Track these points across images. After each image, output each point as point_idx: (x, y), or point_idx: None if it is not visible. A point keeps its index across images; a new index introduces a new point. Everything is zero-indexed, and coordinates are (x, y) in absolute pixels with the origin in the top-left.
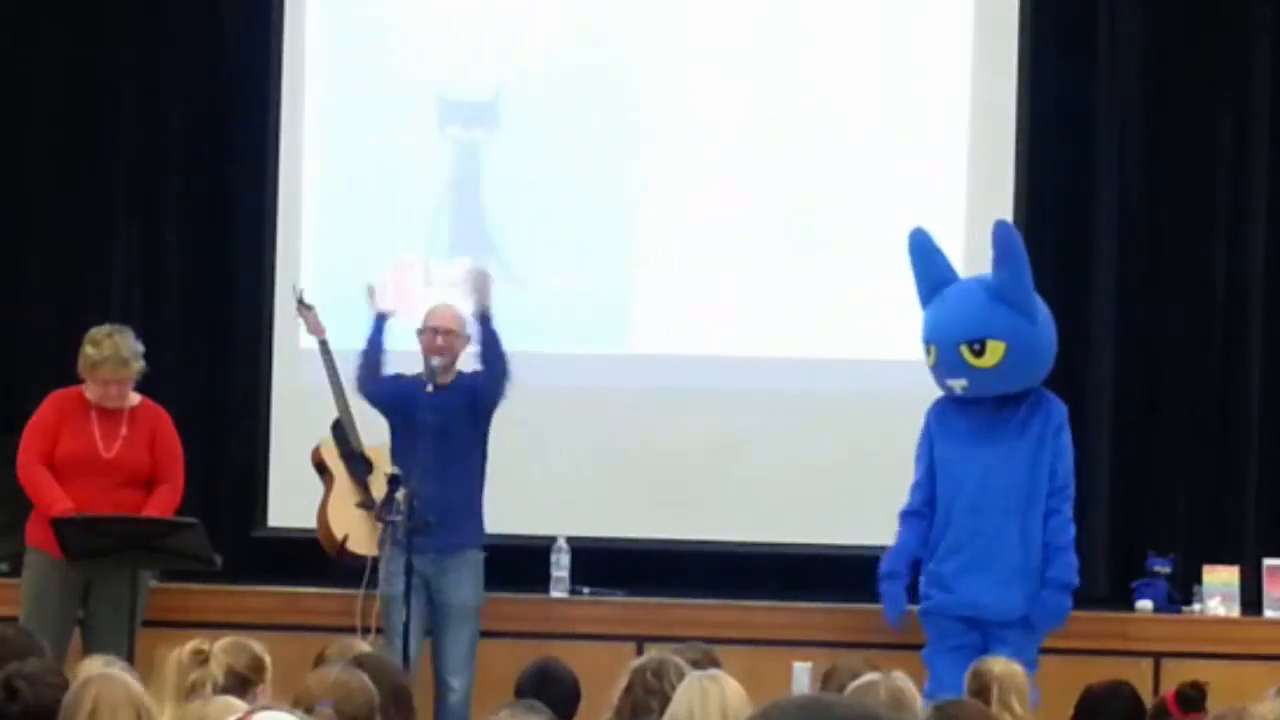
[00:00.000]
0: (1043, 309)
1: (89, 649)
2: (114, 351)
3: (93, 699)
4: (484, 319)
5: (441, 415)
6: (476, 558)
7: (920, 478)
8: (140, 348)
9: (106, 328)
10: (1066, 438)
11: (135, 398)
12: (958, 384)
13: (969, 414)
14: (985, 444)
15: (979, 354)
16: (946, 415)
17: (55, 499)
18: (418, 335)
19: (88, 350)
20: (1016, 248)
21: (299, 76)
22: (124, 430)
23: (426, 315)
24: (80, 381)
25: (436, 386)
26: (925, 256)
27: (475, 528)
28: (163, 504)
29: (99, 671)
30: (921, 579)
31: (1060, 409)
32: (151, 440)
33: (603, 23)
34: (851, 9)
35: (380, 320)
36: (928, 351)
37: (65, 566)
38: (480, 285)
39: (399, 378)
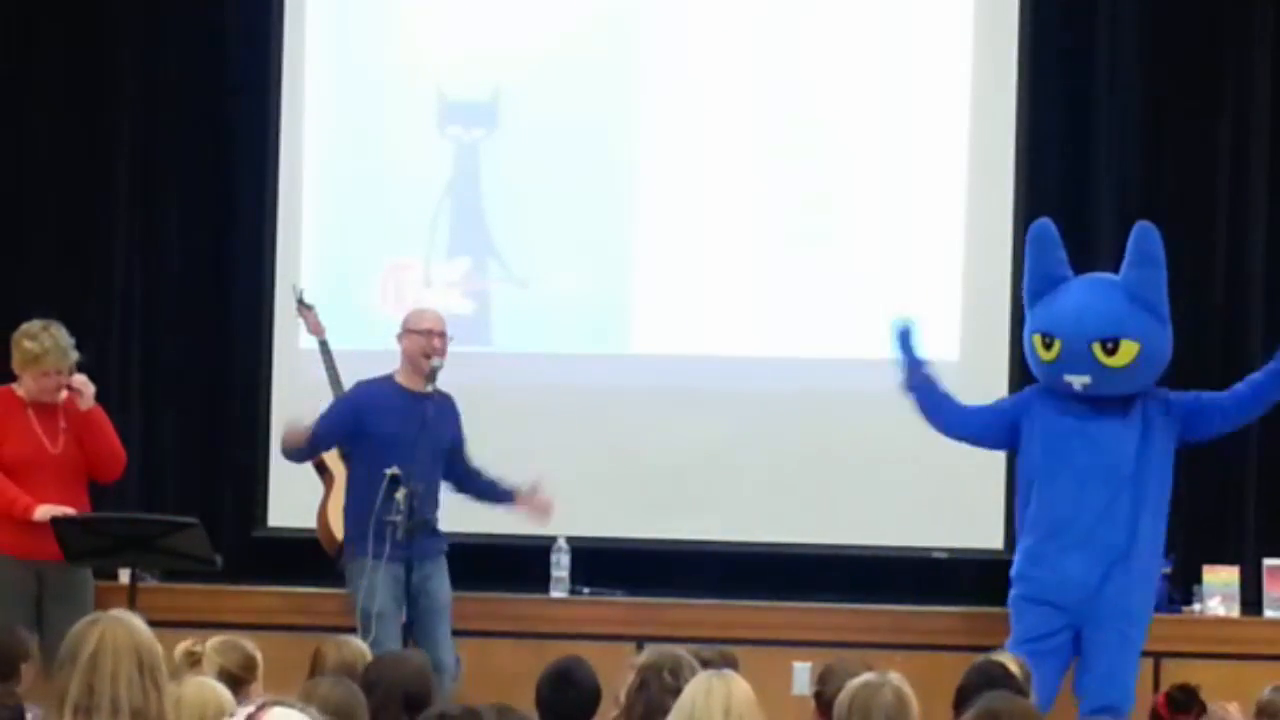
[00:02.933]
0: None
1: (50, 652)
2: (54, 343)
3: (95, 641)
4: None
5: (430, 424)
6: (444, 560)
7: (988, 411)
8: (73, 340)
9: (39, 322)
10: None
11: (64, 392)
12: (1079, 380)
13: (1073, 398)
14: (1091, 422)
15: (1111, 352)
16: (1059, 396)
17: (15, 497)
18: (402, 337)
19: (27, 345)
20: (1158, 250)
21: (299, 77)
22: (63, 424)
23: (417, 318)
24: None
25: (428, 391)
26: (1045, 249)
27: (441, 532)
28: (117, 447)
29: (109, 612)
30: (1018, 557)
31: (1162, 388)
32: (89, 431)
33: (602, 22)
34: (851, 9)
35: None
36: (1047, 345)
37: (15, 566)
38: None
39: (354, 397)
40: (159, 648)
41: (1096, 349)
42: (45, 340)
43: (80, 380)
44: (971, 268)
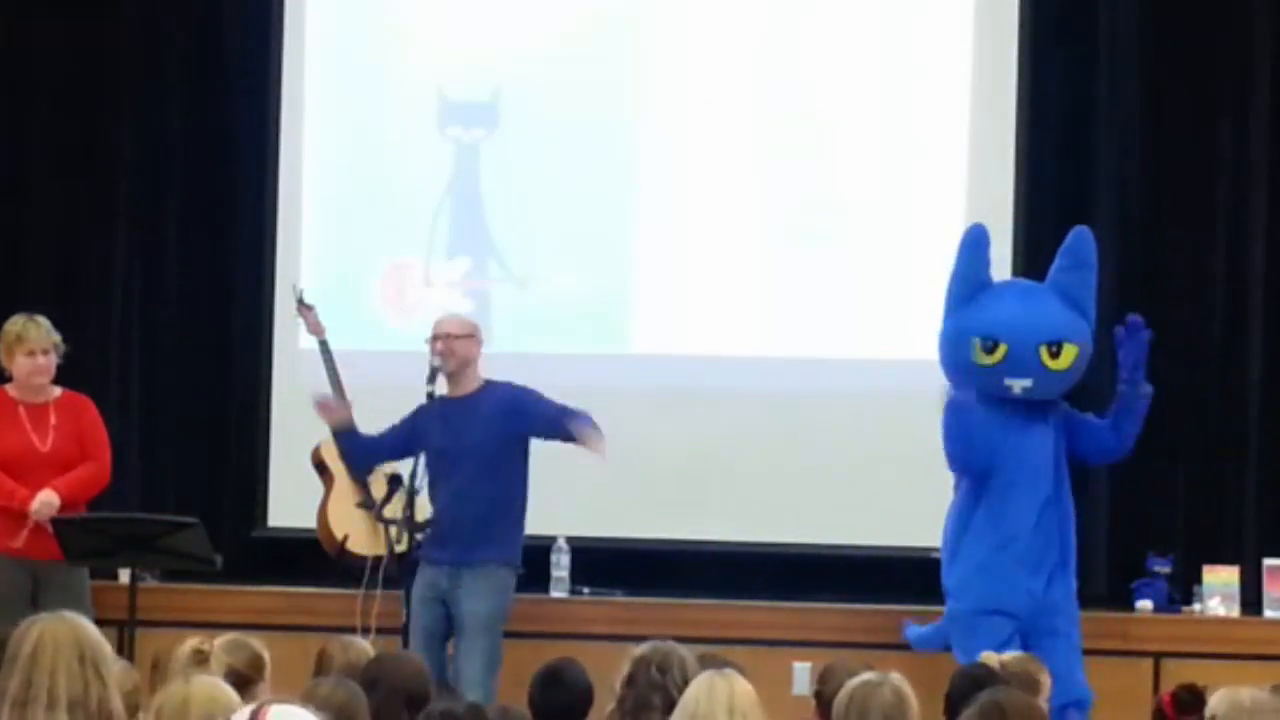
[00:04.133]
0: None
1: None
2: (35, 324)
3: (35, 638)
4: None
5: (455, 425)
6: (499, 573)
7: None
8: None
9: (16, 315)
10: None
11: (56, 390)
12: (1020, 384)
13: (1002, 407)
14: (1022, 433)
15: (1056, 356)
16: (989, 404)
17: (12, 490)
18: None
19: (9, 330)
20: (1093, 255)
21: (299, 77)
22: (53, 421)
23: (434, 325)
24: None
25: (452, 397)
26: (978, 253)
27: (501, 543)
28: (88, 480)
29: (52, 613)
30: (959, 568)
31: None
32: (78, 427)
33: (603, 22)
34: (851, 9)
35: (348, 433)
36: (989, 349)
37: (11, 566)
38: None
39: (414, 413)
40: (105, 644)
41: (1043, 352)
42: (26, 321)
43: (41, 502)
44: None
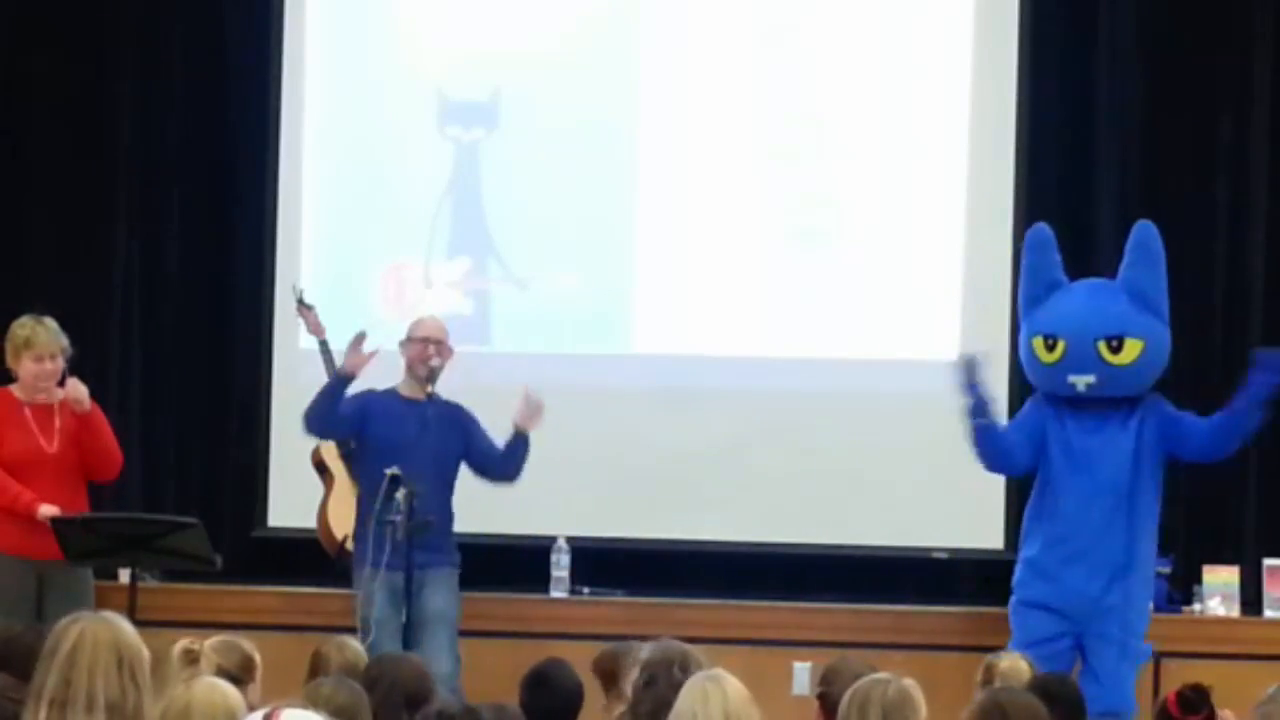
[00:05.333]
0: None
1: None
2: (44, 327)
3: (75, 637)
4: (524, 438)
5: (430, 429)
6: (454, 574)
7: (1024, 441)
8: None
9: (27, 315)
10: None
11: (60, 391)
12: (1083, 380)
13: (1078, 406)
14: (1095, 435)
15: (1116, 351)
16: (1059, 403)
17: (18, 493)
18: (403, 346)
19: (18, 333)
20: (1158, 250)
21: (299, 76)
22: (59, 423)
23: (415, 326)
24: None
25: (428, 396)
26: (1044, 253)
27: (452, 546)
28: (113, 445)
29: (94, 612)
30: (1020, 559)
31: (1156, 396)
32: (83, 425)
33: (602, 23)
34: (852, 10)
35: (342, 381)
36: (1050, 347)
37: (16, 566)
38: (533, 412)
39: (363, 397)
40: (144, 648)
41: (1102, 348)
42: (34, 327)
43: (72, 383)
44: (971, 268)
